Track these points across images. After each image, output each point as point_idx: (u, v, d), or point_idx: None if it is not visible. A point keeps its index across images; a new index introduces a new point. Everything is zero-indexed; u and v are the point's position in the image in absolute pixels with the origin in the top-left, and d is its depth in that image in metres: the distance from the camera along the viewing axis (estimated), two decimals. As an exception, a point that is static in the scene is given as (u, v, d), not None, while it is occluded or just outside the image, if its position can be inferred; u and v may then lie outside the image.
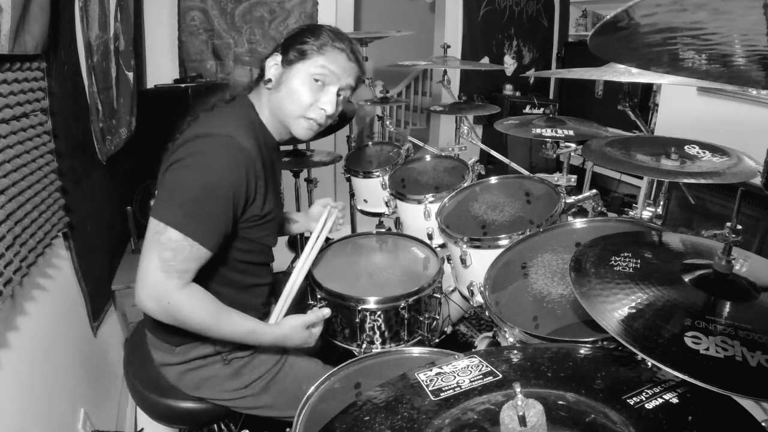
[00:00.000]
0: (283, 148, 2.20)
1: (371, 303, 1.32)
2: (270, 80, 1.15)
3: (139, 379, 1.25)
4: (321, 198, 1.53)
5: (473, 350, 0.84)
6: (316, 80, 1.12)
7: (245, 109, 1.17)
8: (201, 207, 1.00)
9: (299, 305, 1.50)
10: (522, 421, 0.57)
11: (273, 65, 1.15)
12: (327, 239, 1.51)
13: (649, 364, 0.70)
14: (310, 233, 1.43)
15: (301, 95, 1.13)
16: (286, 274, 2.78)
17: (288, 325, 1.18)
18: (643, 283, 0.80)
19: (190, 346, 1.18)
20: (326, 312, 1.24)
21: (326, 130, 2.11)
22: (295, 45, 1.13)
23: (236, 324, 1.10)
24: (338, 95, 1.16)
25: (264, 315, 1.25)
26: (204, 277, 1.07)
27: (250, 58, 3.12)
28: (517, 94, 4.37)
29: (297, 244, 2.59)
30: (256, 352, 1.22)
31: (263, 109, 1.18)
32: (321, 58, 1.12)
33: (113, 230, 2.07)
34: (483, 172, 1.91)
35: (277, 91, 1.14)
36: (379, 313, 1.34)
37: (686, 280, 0.80)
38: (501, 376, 0.73)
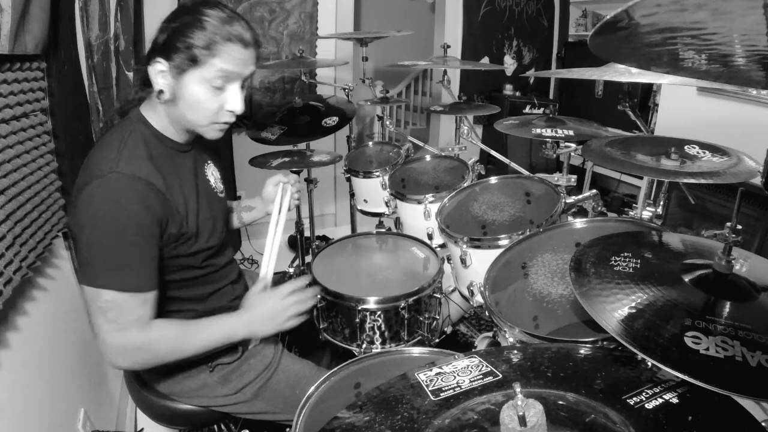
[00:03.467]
0: (282, 148, 2.21)
1: (371, 303, 1.32)
2: (162, 92, 1.01)
3: (139, 379, 1.25)
4: (273, 177, 1.40)
5: (473, 350, 0.84)
6: (217, 87, 1.01)
7: (134, 126, 1.05)
8: (121, 255, 0.95)
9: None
10: (522, 421, 0.57)
11: (159, 73, 1.00)
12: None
13: (649, 364, 0.70)
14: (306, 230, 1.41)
15: (204, 105, 1.02)
16: (285, 274, 2.76)
17: (250, 307, 1.11)
18: (643, 283, 0.80)
19: None
20: (301, 281, 1.16)
21: (326, 130, 2.14)
22: (179, 46, 0.97)
23: (209, 332, 1.06)
24: (242, 86, 1.05)
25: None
26: (160, 304, 1.04)
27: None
28: (517, 94, 4.36)
29: (297, 244, 2.58)
30: (243, 359, 1.22)
31: (159, 120, 1.07)
32: (215, 60, 0.97)
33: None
34: (483, 172, 1.91)
35: (175, 105, 1.02)
36: (379, 313, 1.34)
37: (686, 280, 0.80)
38: (501, 376, 0.73)
